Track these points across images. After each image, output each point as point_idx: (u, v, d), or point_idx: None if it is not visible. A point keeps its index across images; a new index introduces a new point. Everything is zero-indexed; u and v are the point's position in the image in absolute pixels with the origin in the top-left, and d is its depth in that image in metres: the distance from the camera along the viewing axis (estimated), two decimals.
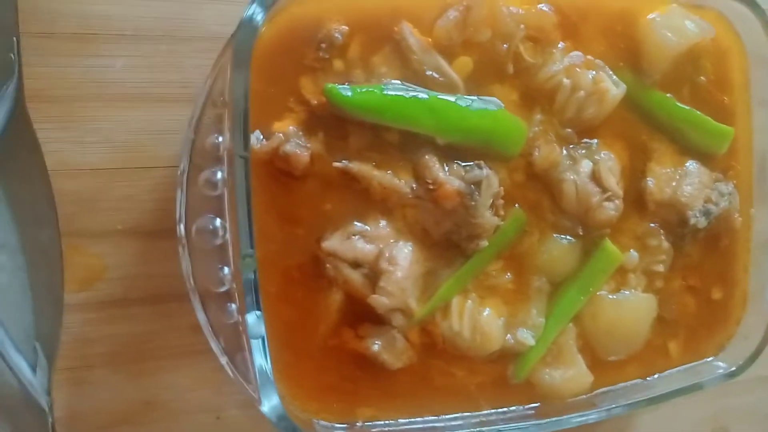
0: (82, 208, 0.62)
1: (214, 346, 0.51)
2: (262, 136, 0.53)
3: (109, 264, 0.63)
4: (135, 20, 0.62)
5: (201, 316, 0.51)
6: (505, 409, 0.62)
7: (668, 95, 0.65)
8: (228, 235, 0.50)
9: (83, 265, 0.62)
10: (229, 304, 0.51)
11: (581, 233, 0.63)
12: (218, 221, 0.51)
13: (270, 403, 0.52)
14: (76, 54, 0.61)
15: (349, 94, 0.53)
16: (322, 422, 0.57)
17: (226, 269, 0.51)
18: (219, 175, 0.50)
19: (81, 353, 0.62)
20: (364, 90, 0.54)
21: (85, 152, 0.62)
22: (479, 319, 0.59)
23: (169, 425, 0.65)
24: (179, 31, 0.63)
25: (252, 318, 0.50)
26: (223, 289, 0.51)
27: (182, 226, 0.49)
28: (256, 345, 0.51)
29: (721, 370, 0.66)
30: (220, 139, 0.50)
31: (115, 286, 0.63)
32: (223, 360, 0.52)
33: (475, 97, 0.58)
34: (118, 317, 0.63)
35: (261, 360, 0.51)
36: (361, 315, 0.58)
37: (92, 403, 0.63)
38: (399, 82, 0.56)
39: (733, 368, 0.65)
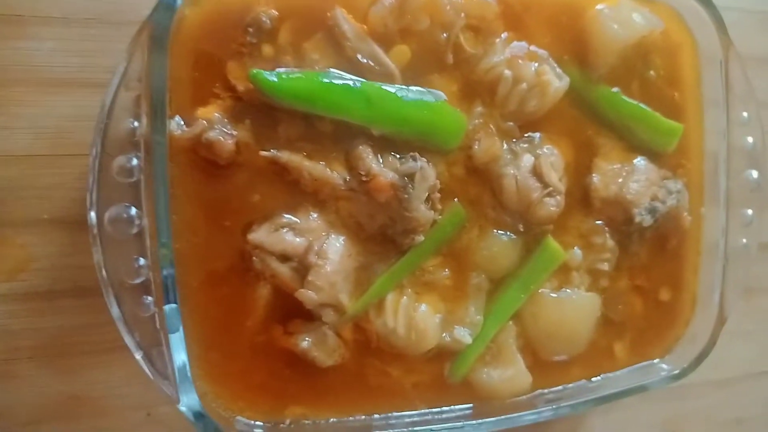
0: (7, 196, 0.60)
1: (128, 340, 0.49)
2: (183, 122, 0.51)
3: (34, 254, 0.60)
4: (64, 3, 0.60)
5: (114, 310, 0.49)
6: (441, 408, 0.60)
7: (615, 89, 0.63)
8: (144, 224, 0.48)
9: (7, 255, 0.60)
10: (144, 297, 0.49)
11: (522, 229, 0.61)
12: (133, 210, 0.48)
13: (188, 401, 0.50)
14: (2, 36, 0.58)
15: (275, 79, 0.51)
16: (242, 419, 0.55)
17: (141, 260, 0.49)
18: (135, 161, 0.48)
19: (5, 346, 0.60)
20: (291, 76, 0.52)
21: (10, 138, 0.59)
22: (414, 316, 0.57)
23: (98, 421, 0.63)
24: (111, 15, 0.61)
25: (169, 310, 0.48)
26: (138, 281, 0.49)
27: (93, 215, 0.47)
28: (174, 339, 0.49)
29: (665, 373, 0.64)
30: (136, 124, 0.48)
31: (41, 278, 0.60)
32: (138, 355, 0.50)
33: (412, 88, 0.56)
34: (44, 310, 0.61)
35: (178, 355, 0.49)
36: (291, 311, 0.56)
37: (17, 397, 0.61)
38: (332, 69, 0.54)
39: (677, 371, 0.64)
